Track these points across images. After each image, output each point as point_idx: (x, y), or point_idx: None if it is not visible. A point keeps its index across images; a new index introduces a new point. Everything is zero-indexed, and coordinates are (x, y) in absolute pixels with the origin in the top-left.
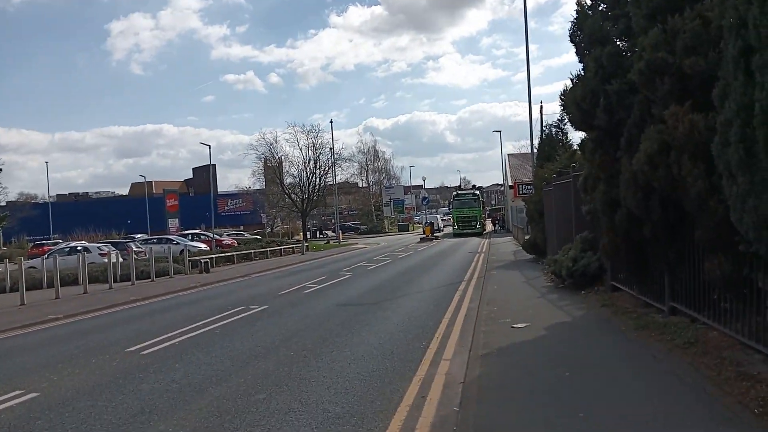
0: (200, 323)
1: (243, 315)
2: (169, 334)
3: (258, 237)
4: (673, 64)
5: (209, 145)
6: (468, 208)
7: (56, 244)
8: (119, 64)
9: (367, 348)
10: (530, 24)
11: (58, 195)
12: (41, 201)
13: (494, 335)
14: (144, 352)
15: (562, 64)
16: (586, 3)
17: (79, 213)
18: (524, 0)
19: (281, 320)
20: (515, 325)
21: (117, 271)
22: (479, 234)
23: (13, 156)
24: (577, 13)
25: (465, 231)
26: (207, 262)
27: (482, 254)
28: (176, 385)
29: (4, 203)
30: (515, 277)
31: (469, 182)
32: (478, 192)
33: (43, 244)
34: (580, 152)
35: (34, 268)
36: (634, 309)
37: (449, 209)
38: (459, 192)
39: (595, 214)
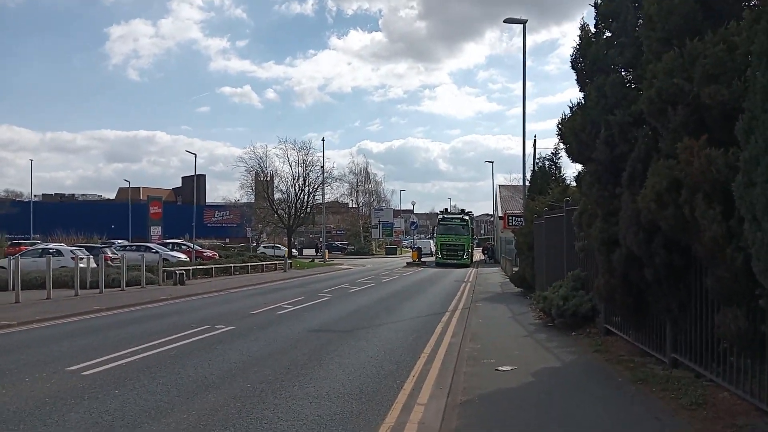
0: (157, 341)
1: (205, 335)
2: (120, 353)
3: (240, 251)
4: (689, 92)
5: (194, 154)
6: (455, 235)
7: (34, 244)
8: (116, 69)
9: (333, 384)
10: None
11: (43, 195)
12: (26, 199)
13: (476, 378)
14: (85, 373)
15: (557, 102)
16: (590, 29)
17: (62, 214)
18: (523, 37)
19: (245, 345)
20: (500, 368)
21: (87, 277)
22: (466, 266)
23: (2, 152)
24: (580, 39)
25: (449, 261)
26: (182, 273)
27: (468, 284)
28: (108, 417)
29: None
30: (502, 311)
31: (456, 207)
32: (467, 217)
33: (21, 243)
34: (575, 186)
35: (3, 268)
36: (630, 357)
37: (432, 234)
38: (445, 215)
39: (590, 251)
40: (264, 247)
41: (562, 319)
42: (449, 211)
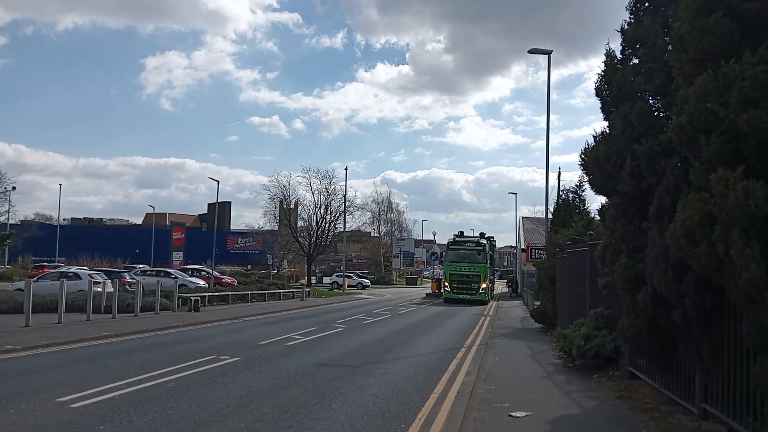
0: (157, 372)
1: (207, 367)
2: (116, 383)
3: (261, 278)
4: (724, 118)
5: (217, 181)
6: (468, 264)
7: (57, 267)
8: (149, 98)
9: (332, 426)
10: (552, 95)
11: (72, 218)
12: (55, 223)
13: (487, 425)
14: (74, 405)
15: (582, 135)
16: (615, 56)
17: (88, 238)
18: (548, 67)
19: (246, 378)
20: (514, 413)
21: (102, 302)
22: (482, 302)
23: (37, 176)
24: (605, 65)
25: (461, 296)
26: (197, 300)
27: (488, 317)
28: None
29: (17, 222)
30: (520, 348)
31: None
32: (484, 241)
33: (44, 266)
34: (599, 219)
35: (21, 290)
36: (656, 405)
37: (440, 261)
38: (456, 239)
39: (614, 289)
40: (337, 275)
41: (583, 360)
42: (462, 235)
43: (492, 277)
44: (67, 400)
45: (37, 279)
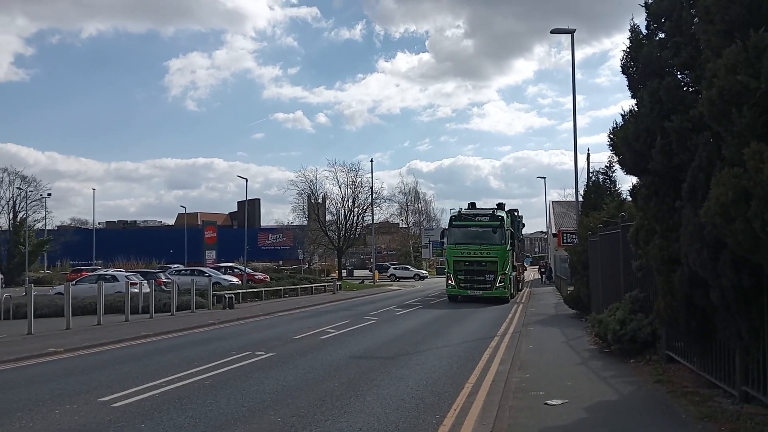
0: (194, 370)
1: (244, 363)
2: (155, 382)
3: (292, 273)
4: (756, 90)
5: (246, 179)
6: (479, 246)
7: (95, 269)
8: (175, 100)
9: (367, 419)
10: (577, 75)
11: (107, 222)
12: (90, 227)
13: (523, 413)
14: (116, 404)
15: (610, 115)
16: (640, 31)
17: (123, 240)
18: (572, 47)
19: (282, 373)
20: (550, 402)
21: (140, 302)
22: (501, 299)
23: (71, 182)
24: (630, 41)
25: (470, 291)
26: (232, 297)
27: (521, 305)
28: None
29: (54, 228)
30: (554, 335)
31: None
32: (503, 214)
33: (82, 269)
34: (630, 200)
35: (60, 294)
36: (695, 389)
37: (441, 244)
38: (463, 212)
39: (648, 271)
40: (394, 268)
41: (619, 344)
42: (476, 207)
43: (518, 263)
44: (109, 399)
45: (76, 282)
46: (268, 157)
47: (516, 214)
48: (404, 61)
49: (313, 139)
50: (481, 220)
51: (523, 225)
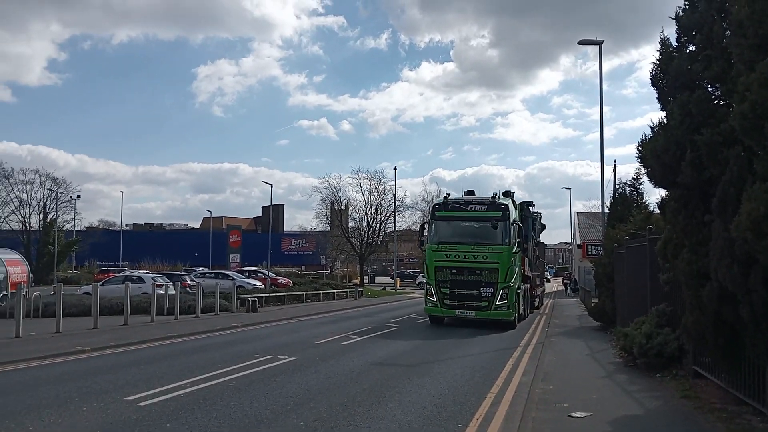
0: (219, 371)
1: (267, 366)
2: (181, 383)
3: (315, 278)
4: None
5: (270, 185)
6: (472, 245)
7: (121, 271)
8: (202, 106)
9: (389, 426)
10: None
11: (134, 224)
12: (117, 229)
13: (546, 425)
14: (142, 404)
15: (636, 127)
16: (671, 44)
17: (149, 242)
18: (599, 58)
19: (304, 378)
20: (573, 414)
21: (165, 304)
22: (505, 323)
23: (99, 185)
24: (660, 54)
25: (459, 311)
26: (255, 300)
27: (544, 316)
28: None
29: (83, 229)
30: (578, 347)
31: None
32: (507, 203)
33: (109, 270)
34: (659, 213)
35: (88, 294)
36: (723, 405)
37: (420, 243)
38: (453, 199)
39: (676, 285)
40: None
41: (645, 358)
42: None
43: (533, 273)
44: (135, 398)
45: (103, 283)
46: (292, 164)
47: (531, 208)
48: (429, 70)
49: (336, 146)
50: (475, 210)
51: (543, 226)
